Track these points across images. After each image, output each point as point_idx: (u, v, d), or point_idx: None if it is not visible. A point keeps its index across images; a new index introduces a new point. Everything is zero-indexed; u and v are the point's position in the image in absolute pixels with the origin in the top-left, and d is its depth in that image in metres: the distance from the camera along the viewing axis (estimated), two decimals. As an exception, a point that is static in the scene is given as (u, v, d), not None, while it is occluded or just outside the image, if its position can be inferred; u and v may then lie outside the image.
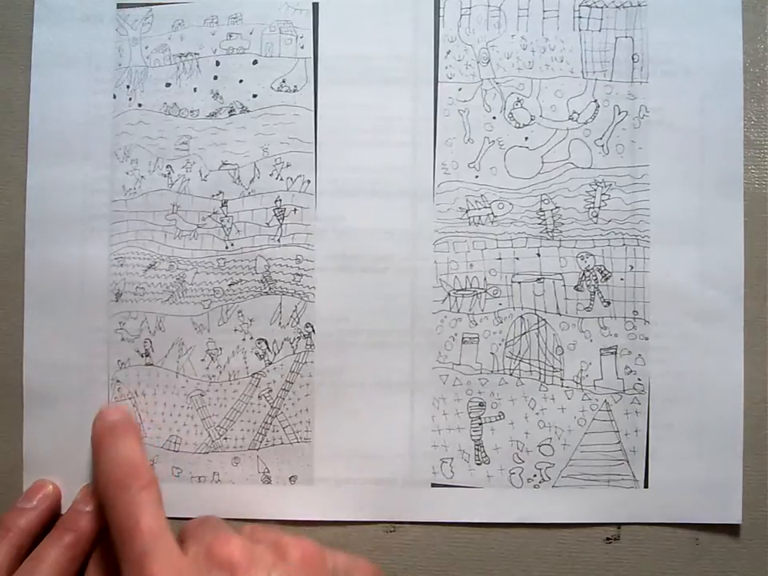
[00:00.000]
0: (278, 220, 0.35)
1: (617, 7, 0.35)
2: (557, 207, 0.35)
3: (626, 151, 0.35)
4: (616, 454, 0.35)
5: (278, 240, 0.35)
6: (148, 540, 0.28)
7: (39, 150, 0.35)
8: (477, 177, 0.35)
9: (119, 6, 0.35)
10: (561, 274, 0.35)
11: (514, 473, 0.35)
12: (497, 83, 0.35)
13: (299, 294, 0.35)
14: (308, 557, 0.29)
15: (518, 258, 0.35)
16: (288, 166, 0.35)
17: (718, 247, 0.35)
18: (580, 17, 0.35)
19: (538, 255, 0.35)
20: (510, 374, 0.35)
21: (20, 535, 0.32)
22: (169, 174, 0.35)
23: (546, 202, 0.35)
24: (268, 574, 0.28)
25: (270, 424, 0.35)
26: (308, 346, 0.35)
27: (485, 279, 0.35)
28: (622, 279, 0.35)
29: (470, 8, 0.35)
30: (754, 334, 0.35)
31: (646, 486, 0.35)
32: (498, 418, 0.35)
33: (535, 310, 0.35)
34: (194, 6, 0.35)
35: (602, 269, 0.35)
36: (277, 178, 0.35)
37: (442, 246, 0.35)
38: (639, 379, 0.35)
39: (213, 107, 0.35)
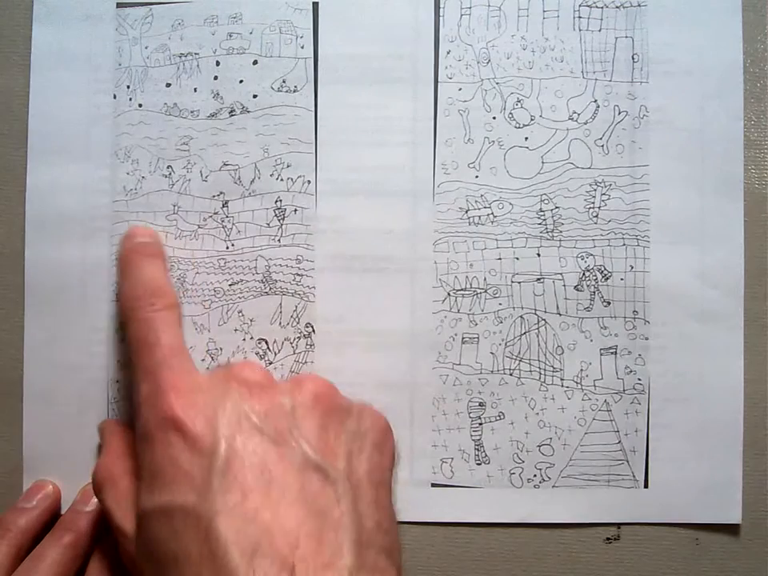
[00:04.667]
0: (279, 220, 0.35)
1: (617, 7, 0.35)
2: (557, 207, 0.35)
3: (625, 151, 0.35)
4: (616, 453, 0.35)
5: (279, 240, 0.35)
6: (167, 354, 0.29)
7: (39, 150, 0.35)
8: (477, 177, 0.35)
9: (119, 5, 0.35)
10: (561, 273, 0.35)
11: (513, 473, 0.35)
12: (497, 83, 0.35)
13: (299, 294, 0.35)
14: (321, 390, 0.29)
15: (517, 258, 0.35)
16: (288, 166, 0.35)
17: (717, 247, 0.35)
18: (580, 17, 0.35)
19: (538, 255, 0.35)
20: (510, 374, 0.35)
21: (20, 535, 0.32)
22: (170, 174, 0.35)
23: (545, 202, 0.35)
24: (283, 399, 0.28)
25: (270, 424, 0.35)
26: (308, 346, 0.35)
27: (485, 279, 0.35)
28: (622, 279, 0.35)
29: (470, 8, 0.35)
30: (754, 334, 0.35)
31: (646, 486, 0.35)
32: (497, 418, 0.35)
33: (535, 310, 0.35)
34: (194, 6, 0.35)
35: (602, 269, 0.35)
36: (277, 179, 0.35)
37: (442, 246, 0.35)
38: (639, 379, 0.35)
39: (213, 107, 0.35)
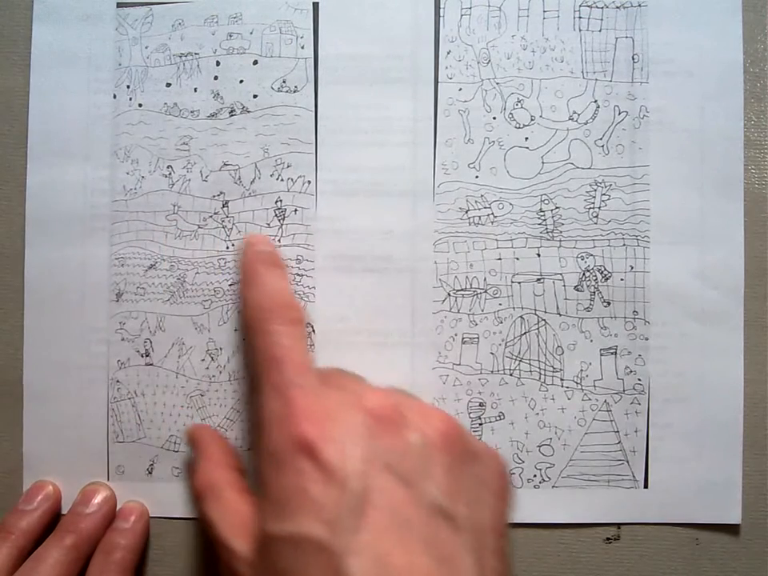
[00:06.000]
0: (279, 220, 0.35)
1: (617, 7, 0.35)
2: (557, 207, 0.35)
3: (626, 151, 0.35)
4: (616, 454, 0.35)
5: (279, 240, 0.35)
6: (296, 371, 0.28)
7: (39, 149, 0.35)
8: (477, 177, 0.35)
9: (119, 5, 0.35)
10: (561, 274, 0.35)
11: (513, 473, 0.35)
12: (497, 83, 0.35)
13: (299, 294, 0.35)
14: (450, 430, 0.27)
15: (518, 259, 0.35)
16: (288, 166, 0.35)
17: (717, 247, 0.35)
18: (580, 17, 0.35)
19: (538, 255, 0.35)
20: (510, 374, 0.35)
21: (21, 537, 0.32)
22: (170, 174, 0.35)
23: (546, 202, 0.35)
24: (414, 436, 0.27)
25: (271, 424, 0.35)
26: (308, 346, 0.35)
27: (485, 279, 0.35)
28: (622, 279, 0.35)
29: (470, 8, 0.35)
30: (754, 334, 0.35)
31: (645, 486, 0.35)
32: (498, 418, 0.35)
33: (535, 310, 0.35)
34: (194, 6, 0.35)
35: (602, 269, 0.35)
36: (277, 179, 0.35)
37: (442, 246, 0.35)
38: (639, 379, 0.35)
39: (213, 107, 0.35)
